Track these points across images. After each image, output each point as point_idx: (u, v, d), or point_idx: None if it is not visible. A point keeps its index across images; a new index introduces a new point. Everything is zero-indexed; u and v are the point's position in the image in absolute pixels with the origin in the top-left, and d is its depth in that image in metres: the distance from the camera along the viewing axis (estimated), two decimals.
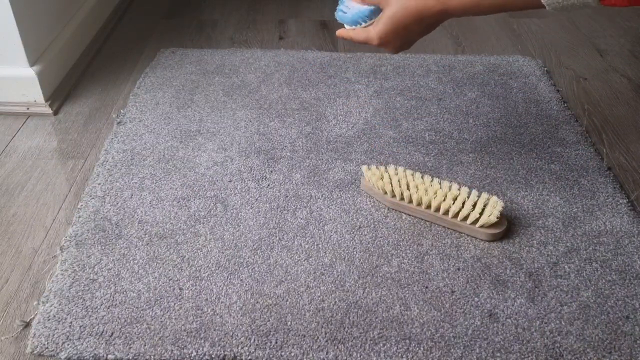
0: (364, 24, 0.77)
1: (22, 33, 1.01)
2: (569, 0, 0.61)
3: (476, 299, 0.71)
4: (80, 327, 0.66)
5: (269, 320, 0.68)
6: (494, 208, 0.78)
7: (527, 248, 0.78)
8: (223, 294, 0.71)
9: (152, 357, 0.64)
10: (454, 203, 0.79)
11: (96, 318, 0.67)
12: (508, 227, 0.80)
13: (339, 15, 0.79)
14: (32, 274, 0.75)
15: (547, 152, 0.96)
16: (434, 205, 0.80)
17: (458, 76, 1.19)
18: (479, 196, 0.80)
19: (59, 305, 0.69)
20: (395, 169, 0.85)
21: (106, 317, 0.68)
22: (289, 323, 0.68)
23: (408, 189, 0.82)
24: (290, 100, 1.10)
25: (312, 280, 0.73)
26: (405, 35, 0.73)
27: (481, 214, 0.78)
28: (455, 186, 0.81)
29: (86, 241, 0.78)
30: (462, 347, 0.65)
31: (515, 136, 1.01)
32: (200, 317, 0.68)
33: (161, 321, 0.67)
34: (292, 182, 0.89)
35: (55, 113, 1.08)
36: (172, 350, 0.64)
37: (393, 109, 1.08)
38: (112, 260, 0.75)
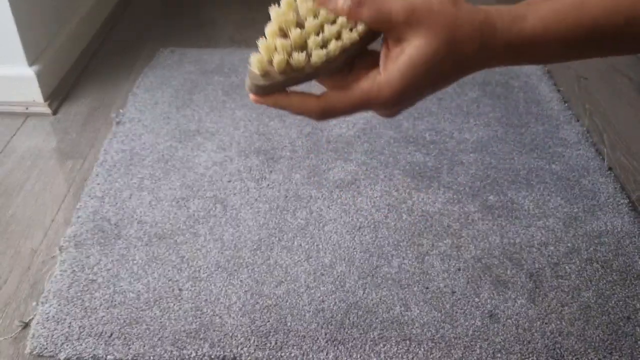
0: None
1: (21, 32, 1.01)
2: None
3: (477, 299, 0.71)
4: (80, 327, 0.66)
5: (268, 321, 0.68)
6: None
7: (527, 248, 0.78)
8: (223, 294, 0.71)
9: (152, 357, 0.63)
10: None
11: (95, 319, 0.67)
12: (509, 227, 0.79)
13: None
14: (31, 274, 0.74)
15: (548, 152, 0.96)
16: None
17: None
18: None
19: (58, 305, 0.69)
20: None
21: (105, 318, 0.67)
22: (289, 324, 0.67)
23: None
24: None
25: (312, 281, 0.73)
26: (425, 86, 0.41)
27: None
28: None
29: (85, 241, 0.78)
30: (462, 348, 0.65)
31: (516, 136, 1.00)
32: (200, 317, 0.68)
33: (160, 322, 0.67)
34: (292, 182, 0.89)
35: (54, 113, 1.07)
36: (171, 351, 0.64)
37: None
38: (111, 260, 0.75)
